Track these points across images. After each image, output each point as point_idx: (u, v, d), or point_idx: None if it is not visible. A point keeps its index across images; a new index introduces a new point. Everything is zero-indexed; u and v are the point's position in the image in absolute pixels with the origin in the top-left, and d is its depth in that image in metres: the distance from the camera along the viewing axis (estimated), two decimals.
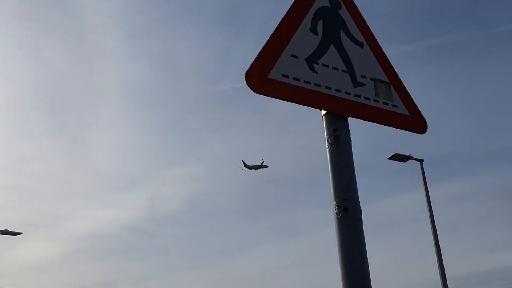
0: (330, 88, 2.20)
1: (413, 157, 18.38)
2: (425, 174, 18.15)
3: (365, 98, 2.29)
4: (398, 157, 18.34)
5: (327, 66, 2.25)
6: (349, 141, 2.16)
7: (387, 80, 2.41)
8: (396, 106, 2.37)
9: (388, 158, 18.39)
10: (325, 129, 2.21)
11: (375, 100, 2.32)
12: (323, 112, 2.23)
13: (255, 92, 2.01)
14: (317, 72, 2.20)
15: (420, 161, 18.38)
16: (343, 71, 2.29)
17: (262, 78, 2.05)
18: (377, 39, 2.49)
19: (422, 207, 17.35)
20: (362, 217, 2.06)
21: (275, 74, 2.09)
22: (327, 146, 2.17)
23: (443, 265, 16.36)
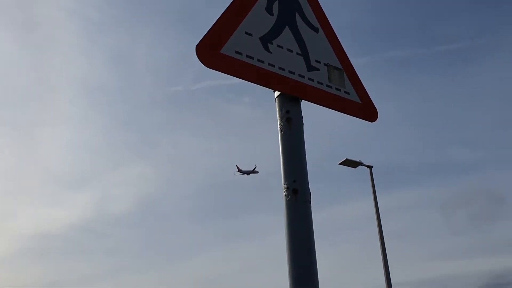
0: (284, 70, 2.17)
1: (363, 163, 18.80)
2: (375, 181, 18.59)
3: (319, 82, 2.27)
4: (349, 163, 18.72)
5: (281, 47, 2.21)
6: (301, 124, 2.13)
7: (341, 67, 2.40)
8: (348, 93, 2.37)
9: (339, 164, 18.74)
10: (277, 111, 2.17)
11: (328, 86, 2.30)
12: (276, 94, 2.19)
13: (206, 66, 1.94)
14: (271, 52, 2.16)
15: (370, 167, 18.82)
16: (298, 54, 2.26)
17: (214, 52, 1.99)
18: (332, 26, 2.49)
19: (372, 213, 17.75)
20: (311, 200, 2.03)
21: (227, 49, 2.03)
22: (279, 128, 2.14)
23: (389, 272, 16.77)
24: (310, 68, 2.27)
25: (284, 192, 2.02)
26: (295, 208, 1.97)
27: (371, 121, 2.39)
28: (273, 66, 2.14)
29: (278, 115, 2.16)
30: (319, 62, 2.32)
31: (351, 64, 2.46)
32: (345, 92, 2.36)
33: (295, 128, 2.11)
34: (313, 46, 2.34)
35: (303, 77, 2.22)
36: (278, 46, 2.20)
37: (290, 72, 2.19)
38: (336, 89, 2.33)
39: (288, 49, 2.23)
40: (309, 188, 2.04)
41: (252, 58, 2.09)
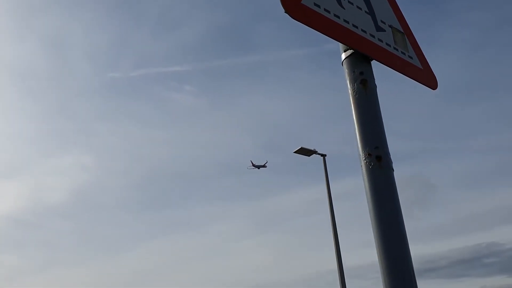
0: (357, 27, 2.00)
1: (317, 151, 19.04)
2: (328, 170, 18.87)
3: (387, 44, 2.12)
4: (303, 151, 18.90)
5: (352, 4, 2.04)
6: (375, 86, 1.98)
7: (402, 31, 2.27)
8: (411, 58, 2.24)
9: (294, 152, 18.89)
10: (347, 74, 2.00)
11: (395, 48, 2.16)
12: (345, 55, 2.02)
13: (290, 16, 1.73)
14: (344, 8, 1.98)
15: (323, 155, 19.09)
16: (366, 12, 2.09)
17: (297, 2, 1.78)
18: None
19: (325, 201, 18.02)
20: (393, 167, 1.88)
21: (307, 1, 1.83)
22: (351, 92, 1.97)
23: (340, 257, 17.13)
24: (378, 28, 2.11)
25: (365, 160, 1.85)
26: (380, 176, 1.81)
27: (433, 89, 2.28)
28: (348, 22, 1.96)
29: (349, 78, 1.99)
30: (384, 23, 2.17)
31: (410, 29, 2.33)
32: (409, 56, 2.23)
33: (371, 90, 1.95)
34: (376, 6, 2.18)
35: (374, 37, 2.06)
36: (349, 2, 2.02)
37: (362, 30, 2.02)
38: (402, 52, 2.19)
39: (357, 6, 2.06)
40: (390, 154, 1.89)
41: (329, 12, 1.90)
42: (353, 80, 1.97)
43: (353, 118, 1.94)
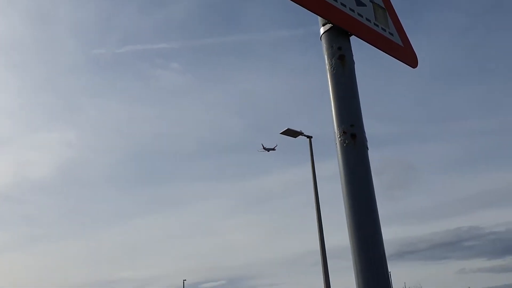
0: (336, 1, 1.94)
1: (303, 133, 19.03)
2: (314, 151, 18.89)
3: (367, 19, 2.07)
4: (290, 132, 18.88)
5: None
6: (353, 62, 1.93)
7: (384, 6, 2.21)
8: (392, 35, 2.19)
9: (281, 133, 18.86)
10: (325, 49, 1.95)
11: (375, 24, 2.11)
12: (323, 30, 1.96)
13: None
14: None
15: (309, 137, 19.10)
16: None
17: None
18: None
19: (310, 182, 18.08)
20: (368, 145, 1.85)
21: None
22: (328, 67, 1.92)
23: (323, 237, 17.28)
24: (358, 2, 2.05)
25: (340, 137, 1.82)
26: (354, 154, 1.78)
27: (413, 67, 2.24)
28: None
29: (327, 53, 1.94)
30: None
31: (392, 5, 2.27)
32: (389, 33, 2.17)
33: (349, 66, 1.90)
34: None
35: (353, 11, 2.00)
36: None
37: (342, 4, 1.96)
38: (382, 28, 2.14)
39: None
40: (365, 132, 1.86)
41: None
42: (331, 55, 1.92)
43: (329, 94, 1.90)
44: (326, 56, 1.94)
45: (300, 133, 19.02)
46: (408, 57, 2.23)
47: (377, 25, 2.11)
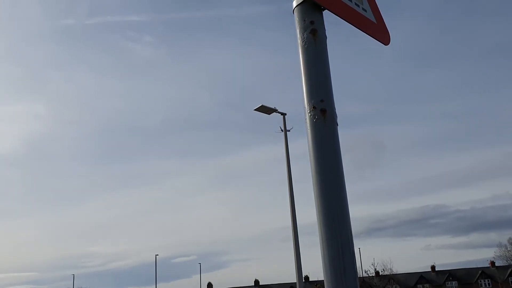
0: None
1: (277, 110, 19.04)
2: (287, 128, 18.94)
3: None
4: (264, 109, 18.86)
5: None
6: (325, 37, 1.90)
7: None
8: (365, 11, 2.16)
9: (254, 110, 18.83)
10: (297, 23, 1.91)
11: None
12: (296, 3, 1.93)
13: None
14: None
15: (283, 114, 19.12)
16: None
17: None
18: None
19: (283, 159, 18.18)
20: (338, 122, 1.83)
21: None
22: (300, 41, 1.89)
23: (295, 214, 17.49)
24: None
25: (309, 112, 1.80)
26: (324, 130, 1.77)
27: (385, 44, 2.22)
28: None
29: (299, 27, 1.90)
30: None
31: None
32: (363, 9, 2.14)
33: (321, 41, 1.87)
34: None
35: None
36: None
37: None
38: (356, 4, 2.10)
39: None
40: (335, 108, 1.84)
41: None
42: (303, 29, 1.89)
43: (300, 69, 1.87)
44: (298, 30, 1.91)
45: (274, 110, 19.02)
46: (381, 34, 2.21)
47: (351, 0, 2.08)
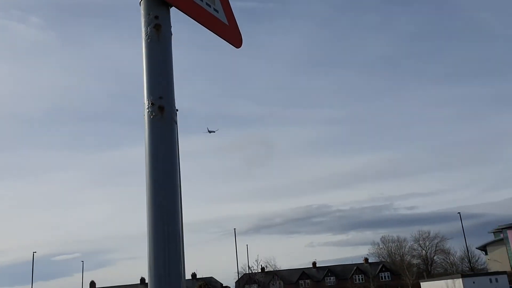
0: None
1: None
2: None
3: None
4: None
5: None
6: (170, 34, 1.88)
7: None
8: (217, 12, 2.18)
9: None
10: (142, 16, 1.88)
11: None
12: None
13: None
14: None
15: (175, 110, 18.82)
16: None
17: None
18: None
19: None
20: (177, 120, 1.83)
21: None
22: (144, 35, 1.85)
23: (181, 212, 17.36)
24: None
25: (148, 109, 1.77)
26: (160, 128, 1.75)
27: (237, 47, 2.26)
28: None
29: (143, 21, 1.87)
30: None
31: None
32: (214, 9, 2.16)
33: (164, 37, 1.85)
34: None
35: None
36: None
37: None
38: (207, 4, 2.11)
39: None
40: (175, 106, 1.84)
41: None
42: (147, 23, 1.85)
43: (142, 64, 1.84)
44: (142, 24, 1.87)
45: None
46: (233, 36, 2.25)
47: (202, 0, 2.09)
